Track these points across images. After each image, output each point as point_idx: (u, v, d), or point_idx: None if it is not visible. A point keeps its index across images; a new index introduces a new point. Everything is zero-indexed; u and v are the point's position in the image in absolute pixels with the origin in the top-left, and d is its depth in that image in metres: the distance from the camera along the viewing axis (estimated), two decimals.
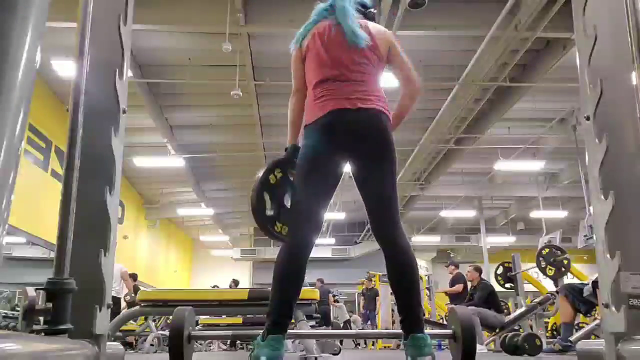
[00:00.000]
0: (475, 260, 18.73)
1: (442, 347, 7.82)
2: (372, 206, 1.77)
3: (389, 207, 1.75)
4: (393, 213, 1.75)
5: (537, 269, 6.14)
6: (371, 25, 1.92)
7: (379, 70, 1.87)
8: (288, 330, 1.65)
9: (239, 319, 6.53)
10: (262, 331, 1.62)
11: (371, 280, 11.21)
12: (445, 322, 8.03)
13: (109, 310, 1.46)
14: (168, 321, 7.32)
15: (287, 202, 1.84)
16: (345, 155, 1.79)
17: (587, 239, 8.99)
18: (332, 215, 14.89)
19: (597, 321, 3.96)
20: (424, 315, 8.66)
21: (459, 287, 8.20)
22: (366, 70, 1.82)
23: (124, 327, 6.45)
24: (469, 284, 6.47)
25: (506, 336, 5.09)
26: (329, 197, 1.82)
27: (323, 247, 17.91)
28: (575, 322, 6.36)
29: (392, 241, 1.72)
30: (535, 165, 11.83)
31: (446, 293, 8.43)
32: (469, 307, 5.64)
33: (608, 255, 1.47)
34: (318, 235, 1.78)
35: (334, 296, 11.53)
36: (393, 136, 1.79)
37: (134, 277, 9.13)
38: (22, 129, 0.85)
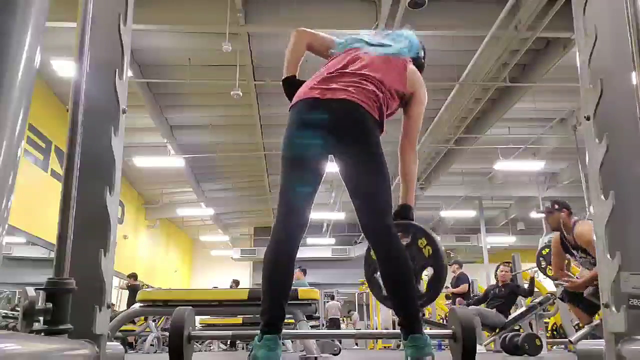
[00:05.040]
0: (475, 261, 18.77)
1: (442, 347, 7.81)
2: (357, 204, 1.71)
3: (374, 205, 1.68)
4: (381, 210, 1.67)
5: (537, 269, 6.14)
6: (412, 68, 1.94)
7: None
8: (288, 331, 1.64)
9: (238, 319, 6.53)
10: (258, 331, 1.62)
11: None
12: (445, 322, 8.03)
13: (109, 310, 1.46)
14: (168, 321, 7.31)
15: None
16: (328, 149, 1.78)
17: None
18: (332, 215, 14.89)
19: (597, 321, 3.95)
20: (423, 315, 8.66)
21: (464, 287, 8.17)
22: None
23: (124, 327, 6.45)
24: (497, 283, 6.03)
25: (506, 336, 5.09)
26: (314, 190, 1.76)
27: (323, 247, 17.91)
28: (576, 322, 6.37)
29: (383, 241, 1.65)
30: (535, 165, 11.83)
31: (452, 294, 8.37)
32: (470, 307, 5.65)
33: (608, 255, 1.47)
34: (304, 230, 1.71)
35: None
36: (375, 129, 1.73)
37: (134, 276, 9.14)
38: (22, 129, 0.85)
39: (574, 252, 3.87)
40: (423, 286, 1.83)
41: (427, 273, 1.87)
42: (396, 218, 1.82)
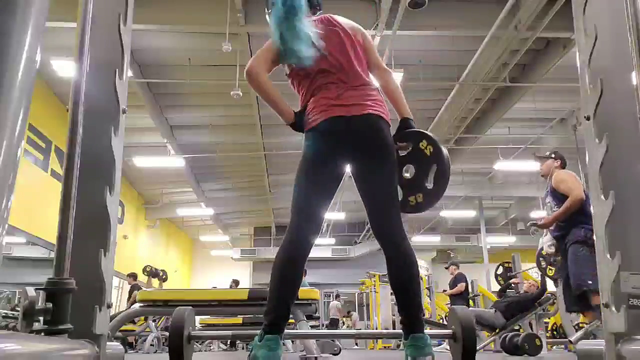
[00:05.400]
0: (475, 261, 18.78)
1: (442, 341, 7.79)
2: (371, 206, 1.77)
3: (387, 208, 1.74)
4: (393, 213, 1.74)
5: (537, 269, 6.13)
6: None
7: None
8: (288, 331, 1.65)
9: (238, 319, 6.53)
10: (260, 331, 1.62)
11: None
12: (445, 322, 8.02)
13: (109, 310, 1.46)
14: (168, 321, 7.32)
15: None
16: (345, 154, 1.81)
17: None
18: (332, 215, 14.89)
19: (597, 321, 3.95)
20: (424, 315, 8.65)
21: (461, 287, 8.18)
22: None
23: (124, 327, 6.45)
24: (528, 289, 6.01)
25: (506, 336, 5.09)
26: (330, 197, 1.83)
27: (323, 247, 17.92)
28: (575, 322, 6.37)
29: (393, 242, 1.71)
30: (536, 165, 11.77)
31: (450, 296, 8.41)
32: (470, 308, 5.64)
33: (608, 255, 1.47)
34: (317, 235, 1.78)
35: None
36: (390, 135, 1.80)
37: (133, 276, 9.14)
38: (22, 129, 0.85)
39: (548, 199, 4.06)
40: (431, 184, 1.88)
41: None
42: (400, 130, 1.91)
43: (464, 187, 14.33)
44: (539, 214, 13.26)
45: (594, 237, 1.57)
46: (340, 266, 18.50)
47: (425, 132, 1.90)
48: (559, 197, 3.94)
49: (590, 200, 3.92)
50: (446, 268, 8.76)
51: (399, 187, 1.84)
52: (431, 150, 1.85)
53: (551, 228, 4.05)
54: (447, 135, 10.44)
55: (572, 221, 3.85)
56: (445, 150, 1.84)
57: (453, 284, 8.36)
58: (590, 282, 3.59)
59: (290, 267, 1.69)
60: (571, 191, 3.85)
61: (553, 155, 4.18)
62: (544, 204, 4.18)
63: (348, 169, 1.87)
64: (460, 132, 10.36)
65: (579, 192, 3.81)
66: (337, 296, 14.67)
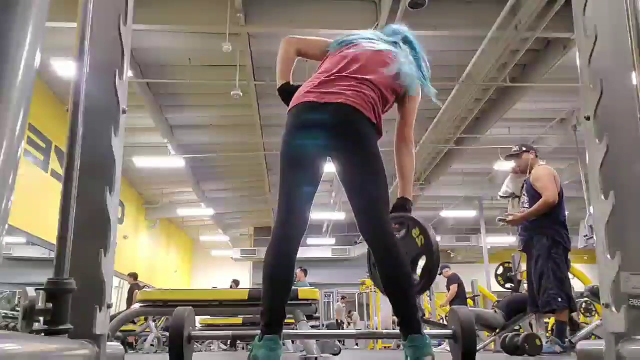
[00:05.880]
0: (474, 261, 18.77)
1: (442, 342, 7.79)
2: (354, 205, 1.72)
3: (371, 205, 1.68)
4: (378, 211, 1.68)
5: None
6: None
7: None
8: (288, 331, 1.65)
9: (238, 319, 6.53)
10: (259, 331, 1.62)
11: None
12: (445, 322, 8.03)
13: (109, 310, 1.46)
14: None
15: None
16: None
17: (587, 239, 9.00)
18: (332, 215, 14.89)
19: (597, 321, 3.97)
20: (423, 315, 8.65)
21: (454, 289, 8.21)
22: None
23: (124, 327, 6.45)
24: None
25: (506, 336, 5.08)
26: (313, 191, 1.77)
27: (323, 247, 17.91)
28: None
29: (380, 241, 1.66)
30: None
31: (449, 302, 8.46)
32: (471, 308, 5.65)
33: (608, 255, 1.47)
34: (304, 230, 1.72)
35: None
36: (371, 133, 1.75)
37: (134, 276, 9.14)
38: (22, 129, 0.85)
39: (523, 194, 4.01)
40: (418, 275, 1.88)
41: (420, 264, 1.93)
42: (394, 211, 1.85)
43: (464, 187, 14.33)
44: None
45: (594, 238, 1.57)
46: (340, 266, 18.49)
47: (419, 220, 1.88)
48: (533, 193, 3.87)
49: (564, 204, 3.95)
50: (439, 274, 8.77)
51: None
52: (422, 241, 1.84)
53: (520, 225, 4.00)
54: (447, 135, 10.44)
55: (539, 227, 3.77)
56: (435, 244, 1.82)
57: (447, 285, 8.40)
58: (560, 300, 3.59)
59: (279, 268, 1.66)
60: (543, 192, 3.76)
61: (524, 148, 4.09)
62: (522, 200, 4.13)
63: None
64: (460, 132, 10.36)
65: (551, 195, 3.71)
66: (343, 297, 14.70)
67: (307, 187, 1.74)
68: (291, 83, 1.93)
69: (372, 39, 1.96)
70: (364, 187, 1.70)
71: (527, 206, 3.90)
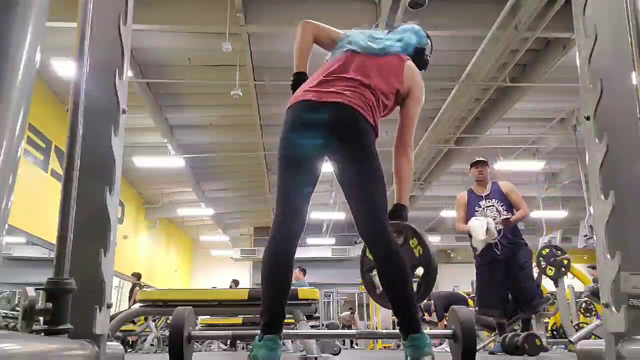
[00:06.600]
0: (474, 261, 18.73)
1: (442, 341, 7.78)
2: (352, 205, 1.71)
3: (370, 205, 1.68)
4: (376, 211, 1.67)
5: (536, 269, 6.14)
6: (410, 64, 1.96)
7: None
8: (288, 331, 1.65)
9: (238, 319, 6.53)
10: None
11: None
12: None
13: (109, 310, 1.46)
14: (168, 321, 7.32)
15: None
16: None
17: (587, 239, 9.02)
18: (332, 215, 14.88)
19: (597, 321, 4.01)
20: (422, 315, 8.66)
21: None
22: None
23: (124, 327, 6.45)
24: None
25: (506, 336, 5.08)
26: (311, 190, 1.77)
27: (323, 247, 17.90)
28: (575, 322, 6.37)
29: (379, 241, 1.66)
30: (535, 165, 11.83)
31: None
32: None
33: (608, 255, 1.47)
34: (302, 230, 1.72)
35: None
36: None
37: (137, 276, 9.15)
38: (22, 129, 0.85)
39: (483, 201, 4.36)
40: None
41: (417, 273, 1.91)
42: (390, 218, 1.82)
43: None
44: (539, 213, 13.27)
45: (594, 238, 1.57)
46: (340, 266, 18.47)
47: (418, 230, 1.86)
48: (508, 203, 4.29)
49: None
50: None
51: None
52: (420, 252, 1.81)
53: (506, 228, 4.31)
54: (447, 135, 10.44)
55: (520, 237, 4.31)
56: (434, 256, 1.79)
57: None
58: (539, 295, 4.38)
59: (277, 267, 1.66)
60: (522, 205, 4.25)
61: (485, 160, 4.57)
62: (485, 206, 4.37)
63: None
64: (460, 132, 10.36)
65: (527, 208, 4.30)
66: (350, 309, 14.74)
67: (304, 186, 1.73)
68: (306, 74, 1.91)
69: (377, 37, 1.96)
70: (361, 187, 1.69)
71: (504, 212, 4.25)
